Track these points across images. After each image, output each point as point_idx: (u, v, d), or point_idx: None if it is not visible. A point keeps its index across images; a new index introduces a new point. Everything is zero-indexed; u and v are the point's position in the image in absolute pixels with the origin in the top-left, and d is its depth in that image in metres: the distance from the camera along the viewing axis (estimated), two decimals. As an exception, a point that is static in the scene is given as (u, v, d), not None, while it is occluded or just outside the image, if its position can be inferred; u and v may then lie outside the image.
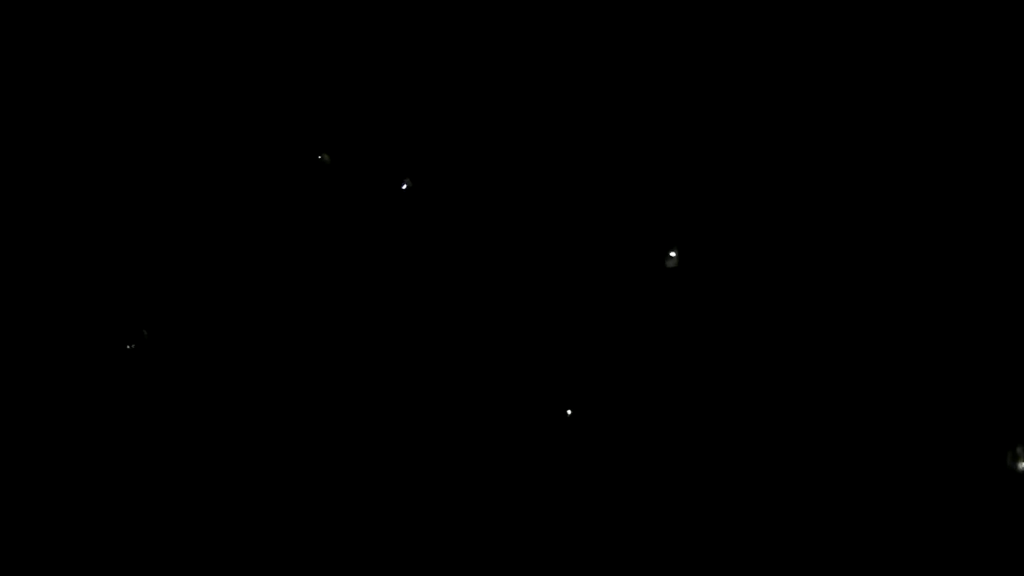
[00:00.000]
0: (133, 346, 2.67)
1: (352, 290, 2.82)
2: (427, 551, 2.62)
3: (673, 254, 2.65)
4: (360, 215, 2.86)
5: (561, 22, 2.77)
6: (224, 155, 2.90)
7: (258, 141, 2.91)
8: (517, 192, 2.79)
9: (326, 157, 2.95)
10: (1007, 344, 2.51)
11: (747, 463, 2.58)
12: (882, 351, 2.57)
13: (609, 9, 2.75)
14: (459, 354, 2.74)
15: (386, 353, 2.77)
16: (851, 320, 2.59)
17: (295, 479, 2.69)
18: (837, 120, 2.65)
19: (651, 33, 2.75)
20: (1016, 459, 2.47)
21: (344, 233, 2.86)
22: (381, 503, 2.66)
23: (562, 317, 2.72)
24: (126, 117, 2.87)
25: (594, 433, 2.66)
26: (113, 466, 2.70)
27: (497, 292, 2.76)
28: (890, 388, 2.55)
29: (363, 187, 2.87)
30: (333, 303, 2.81)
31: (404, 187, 2.85)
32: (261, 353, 2.78)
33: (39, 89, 2.83)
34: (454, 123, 2.86)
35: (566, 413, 2.67)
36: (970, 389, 2.52)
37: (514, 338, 2.73)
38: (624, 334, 2.69)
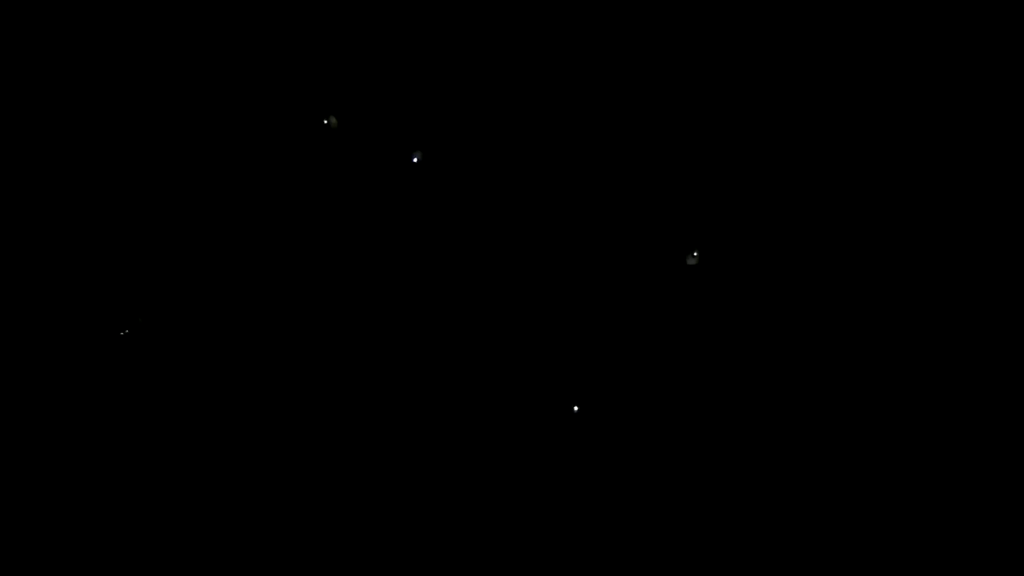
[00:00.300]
0: (127, 331, 2.61)
1: (354, 274, 2.75)
2: (427, 551, 2.57)
3: (695, 253, 2.60)
4: (367, 191, 2.79)
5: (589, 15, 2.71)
6: (227, 133, 2.83)
7: (263, 119, 2.84)
8: (534, 179, 2.73)
9: (333, 121, 2.86)
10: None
11: (758, 461, 2.56)
12: (891, 354, 2.56)
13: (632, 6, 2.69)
14: (466, 344, 2.68)
15: (392, 336, 2.70)
16: (865, 323, 2.58)
17: (292, 472, 2.64)
18: (850, 122, 2.62)
19: (676, 31, 2.69)
20: None
21: (349, 215, 2.79)
22: (381, 500, 2.61)
23: (573, 309, 2.66)
24: (118, 91, 2.81)
25: (604, 430, 2.61)
26: (110, 460, 2.65)
27: (508, 281, 2.70)
28: (900, 391, 2.54)
29: (372, 162, 2.80)
30: (336, 288, 2.74)
31: (415, 160, 2.77)
32: (264, 336, 2.72)
33: (39, 89, 2.79)
34: (471, 112, 2.78)
35: (573, 409, 2.61)
36: (980, 393, 2.51)
37: (523, 328, 2.67)
38: (635, 329, 2.64)
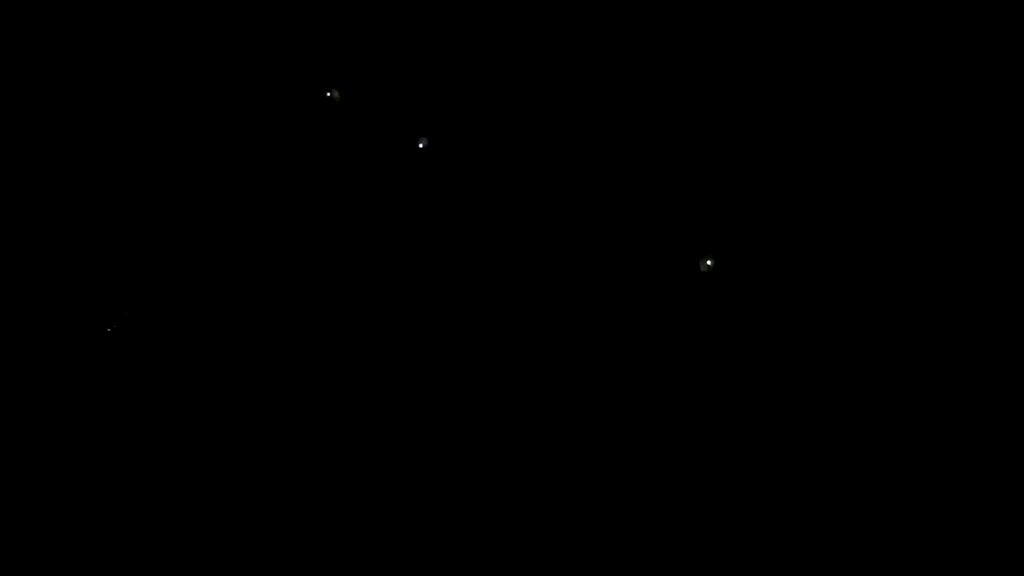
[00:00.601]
0: (114, 328, 2.54)
1: (356, 260, 2.68)
2: (427, 551, 2.52)
3: (709, 262, 2.54)
4: (371, 177, 2.72)
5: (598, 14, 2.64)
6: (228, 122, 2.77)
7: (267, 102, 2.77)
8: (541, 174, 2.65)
9: (336, 94, 2.79)
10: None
11: (768, 464, 2.52)
12: (900, 355, 2.53)
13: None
14: (470, 339, 2.61)
15: (393, 326, 2.64)
16: (875, 325, 2.55)
17: (289, 469, 2.58)
18: (862, 127, 2.59)
19: (685, 34, 2.63)
20: None
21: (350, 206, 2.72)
22: (380, 502, 2.55)
23: (582, 310, 2.60)
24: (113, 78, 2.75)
25: (610, 434, 2.56)
26: (103, 457, 2.59)
27: (509, 281, 2.63)
28: (910, 394, 2.51)
29: (377, 148, 2.72)
30: (336, 274, 2.67)
31: (421, 145, 2.69)
32: (261, 324, 2.65)
33: (39, 89, 2.74)
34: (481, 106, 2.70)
35: (574, 414, 2.55)
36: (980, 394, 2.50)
37: (528, 325, 2.61)
38: (645, 332, 2.58)
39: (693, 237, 2.59)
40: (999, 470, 2.46)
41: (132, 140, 2.73)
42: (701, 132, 2.62)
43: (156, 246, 2.67)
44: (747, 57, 2.62)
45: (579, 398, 2.57)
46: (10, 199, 2.67)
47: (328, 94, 2.79)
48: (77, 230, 2.67)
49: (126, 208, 2.69)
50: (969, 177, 2.55)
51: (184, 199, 2.70)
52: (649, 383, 2.57)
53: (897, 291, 2.54)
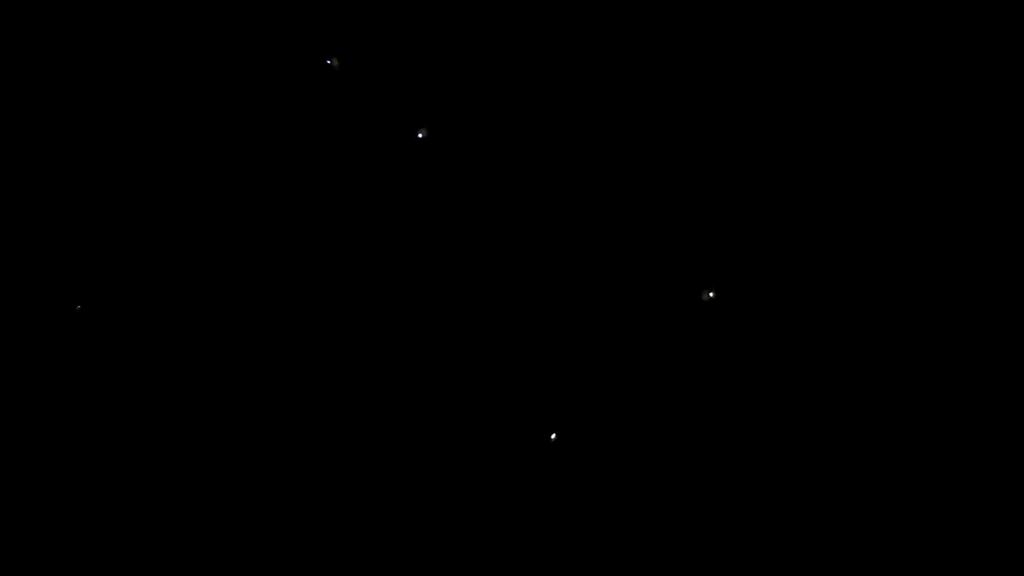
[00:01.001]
0: (79, 308, 2.47)
1: (352, 253, 2.61)
2: (424, 551, 2.48)
3: (711, 294, 2.46)
4: (370, 169, 2.64)
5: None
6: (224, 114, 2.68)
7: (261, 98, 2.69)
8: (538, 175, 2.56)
9: (335, 62, 2.69)
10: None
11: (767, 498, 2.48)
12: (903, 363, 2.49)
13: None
14: (465, 338, 2.55)
15: (390, 321, 2.57)
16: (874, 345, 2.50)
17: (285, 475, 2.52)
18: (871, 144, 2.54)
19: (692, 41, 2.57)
20: None
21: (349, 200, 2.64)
22: (373, 504, 2.50)
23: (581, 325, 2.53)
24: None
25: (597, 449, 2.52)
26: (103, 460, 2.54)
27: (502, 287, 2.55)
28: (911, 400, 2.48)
29: (376, 140, 2.63)
30: (332, 269, 2.59)
31: (420, 135, 2.59)
32: (256, 318, 2.59)
33: (39, 89, 2.68)
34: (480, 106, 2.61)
35: (550, 437, 2.49)
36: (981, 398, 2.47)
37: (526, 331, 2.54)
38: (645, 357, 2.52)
39: (696, 247, 2.52)
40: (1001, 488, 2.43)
41: (119, 120, 2.64)
42: (709, 143, 2.54)
43: (142, 231, 2.59)
44: (753, 73, 2.53)
45: (579, 401, 2.51)
46: (9, 198, 2.61)
47: (328, 61, 2.70)
48: (60, 217, 2.59)
49: (112, 190, 2.61)
50: (972, 208, 2.49)
51: (169, 176, 2.62)
52: (648, 390, 2.51)
53: (902, 314, 2.49)
